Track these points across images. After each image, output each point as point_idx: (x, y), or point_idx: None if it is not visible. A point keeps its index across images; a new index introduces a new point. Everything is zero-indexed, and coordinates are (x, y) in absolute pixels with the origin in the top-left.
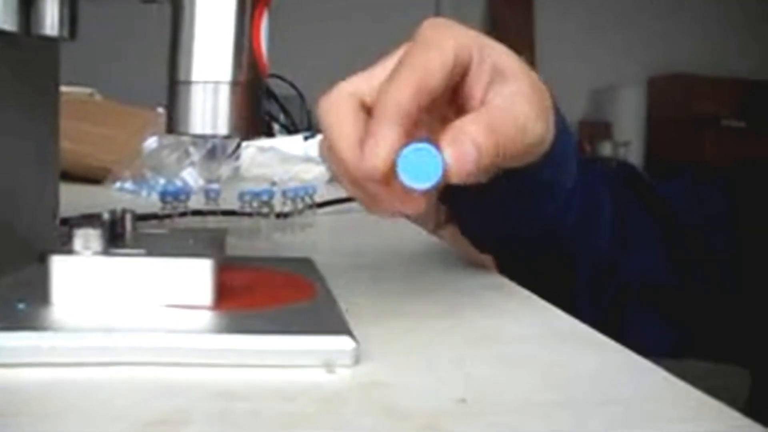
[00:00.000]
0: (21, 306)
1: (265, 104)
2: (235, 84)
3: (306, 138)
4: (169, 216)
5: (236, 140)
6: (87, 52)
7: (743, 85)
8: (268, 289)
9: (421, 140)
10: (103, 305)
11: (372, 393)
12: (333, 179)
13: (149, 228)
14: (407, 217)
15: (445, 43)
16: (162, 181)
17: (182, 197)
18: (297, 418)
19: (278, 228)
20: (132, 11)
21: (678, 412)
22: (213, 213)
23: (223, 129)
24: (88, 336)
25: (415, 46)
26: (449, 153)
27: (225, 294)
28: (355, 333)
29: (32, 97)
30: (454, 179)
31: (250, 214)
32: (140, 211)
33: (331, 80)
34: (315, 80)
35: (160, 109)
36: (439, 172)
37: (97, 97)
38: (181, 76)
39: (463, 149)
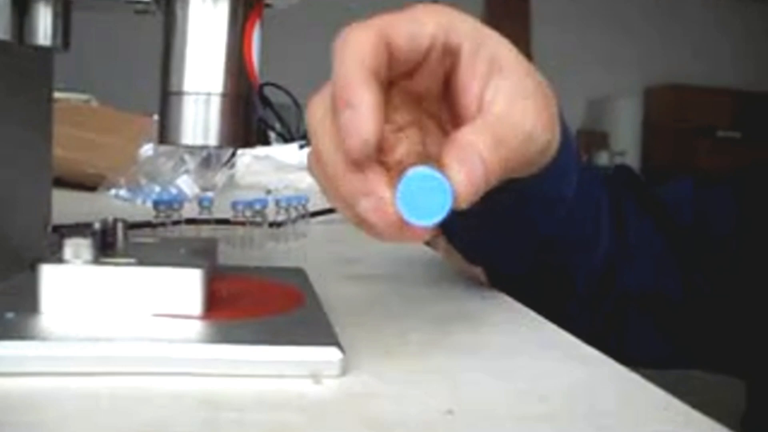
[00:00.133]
0: (9, 315)
1: (261, 112)
2: (226, 95)
3: (301, 146)
4: (162, 224)
5: (231, 149)
6: (84, 59)
7: (739, 96)
8: (257, 298)
9: (420, 165)
10: (92, 314)
11: (359, 404)
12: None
13: (142, 236)
14: None
15: (425, 18)
16: (157, 188)
17: (176, 206)
18: (282, 428)
19: (271, 237)
20: (129, 19)
21: (662, 425)
22: (206, 222)
23: (213, 140)
24: (75, 345)
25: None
26: (457, 174)
27: (215, 303)
28: (344, 343)
29: (25, 106)
30: (463, 204)
31: (243, 223)
32: (134, 219)
33: None
34: (311, 88)
35: (156, 117)
36: (448, 204)
37: (94, 104)
38: (173, 87)
39: (473, 169)
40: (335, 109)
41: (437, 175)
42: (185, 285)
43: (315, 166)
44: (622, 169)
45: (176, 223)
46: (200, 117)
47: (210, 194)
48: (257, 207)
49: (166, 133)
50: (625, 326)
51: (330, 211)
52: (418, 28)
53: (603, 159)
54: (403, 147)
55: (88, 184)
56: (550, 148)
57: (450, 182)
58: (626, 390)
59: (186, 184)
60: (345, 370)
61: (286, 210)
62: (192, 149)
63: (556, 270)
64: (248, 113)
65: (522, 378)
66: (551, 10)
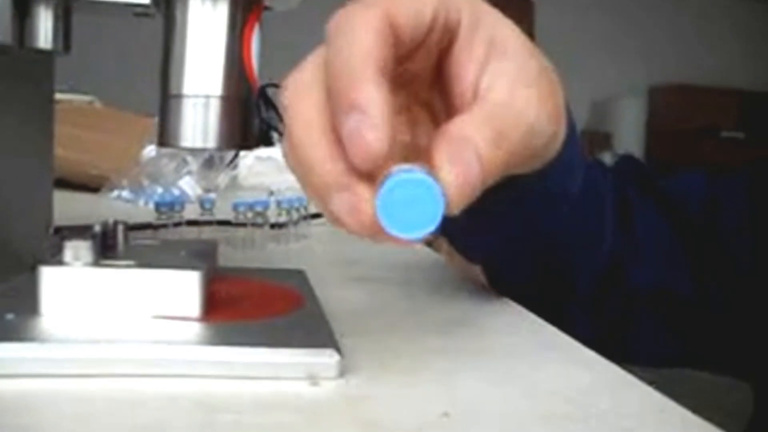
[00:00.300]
0: (9, 317)
1: (264, 113)
2: (225, 98)
3: None
4: (163, 226)
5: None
6: (87, 60)
7: (743, 97)
8: (256, 300)
9: (406, 166)
10: (91, 316)
11: (355, 406)
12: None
13: (143, 238)
14: None
15: None
16: (159, 189)
17: (177, 207)
18: (279, 430)
19: (273, 238)
20: (133, 21)
21: (660, 428)
22: (207, 223)
23: (213, 142)
24: (74, 347)
25: None
26: (448, 175)
27: (214, 306)
28: (342, 346)
29: (26, 109)
30: (455, 211)
31: (244, 225)
32: (136, 220)
33: None
34: None
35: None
36: (439, 215)
37: (97, 105)
38: (173, 90)
39: (467, 170)
40: (336, 109)
41: (426, 179)
42: (184, 287)
43: (289, 153)
44: (628, 160)
45: (177, 224)
46: (199, 120)
47: (212, 195)
48: (258, 208)
49: (165, 136)
50: (632, 326)
51: None
52: (421, 5)
53: (607, 159)
54: None
55: (92, 186)
56: (555, 141)
57: (440, 185)
58: (625, 393)
59: (188, 186)
60: (342, 373)
61: (288, 211)
62: (192, 152)
63: (557, 271)
64: (247, 116)
65: (519, 381)
66: (555, 11)
